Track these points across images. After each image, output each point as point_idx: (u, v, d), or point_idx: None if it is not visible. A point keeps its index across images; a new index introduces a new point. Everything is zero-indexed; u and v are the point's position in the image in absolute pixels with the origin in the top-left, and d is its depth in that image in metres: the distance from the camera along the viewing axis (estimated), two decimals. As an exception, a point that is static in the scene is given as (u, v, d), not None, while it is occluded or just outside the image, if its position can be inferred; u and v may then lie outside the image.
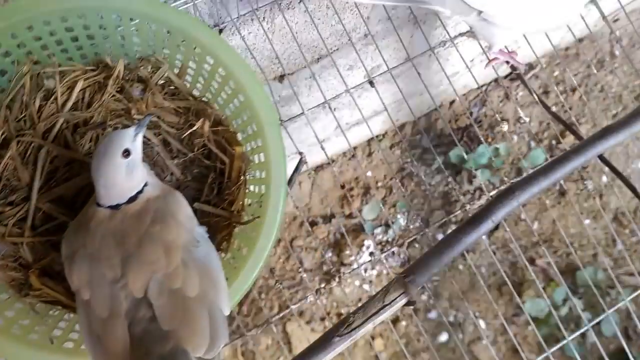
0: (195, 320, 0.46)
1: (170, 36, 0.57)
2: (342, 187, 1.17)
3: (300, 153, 0.66)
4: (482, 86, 1.20)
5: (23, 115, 0.57)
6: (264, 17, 0.73)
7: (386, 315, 0.49)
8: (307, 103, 0.79)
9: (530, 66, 1.21)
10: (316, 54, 0.85)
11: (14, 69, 0.56)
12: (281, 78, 0.85)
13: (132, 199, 0.50)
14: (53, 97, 0.57)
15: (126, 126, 0.57)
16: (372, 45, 0.84)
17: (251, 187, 0.58)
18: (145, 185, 0.51)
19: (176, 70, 0.60)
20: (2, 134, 0.56)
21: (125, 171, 0.50)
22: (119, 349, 0.45)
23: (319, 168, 1.18)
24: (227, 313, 0.50)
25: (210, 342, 0.46)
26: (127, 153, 0.49)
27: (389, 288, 0.49)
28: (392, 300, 0.48)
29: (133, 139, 0.50)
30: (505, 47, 0.74)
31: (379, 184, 1.18)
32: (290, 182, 0.61)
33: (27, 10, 0.52)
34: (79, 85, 0.57)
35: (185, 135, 0.59)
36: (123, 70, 0.58)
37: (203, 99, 0.60)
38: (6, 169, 0.56)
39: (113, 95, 0.58)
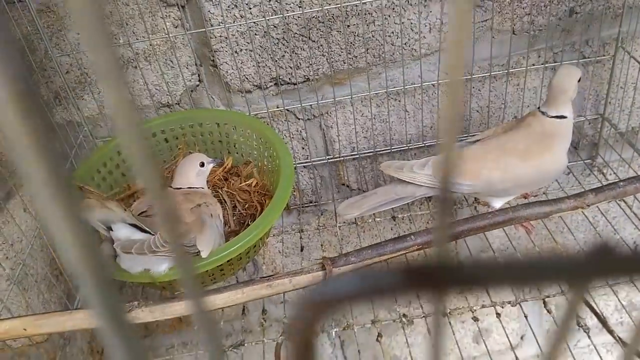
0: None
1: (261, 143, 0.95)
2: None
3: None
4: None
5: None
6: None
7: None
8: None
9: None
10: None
11: (176, 146, 0.99)
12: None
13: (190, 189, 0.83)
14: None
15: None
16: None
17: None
18: (202, 188, 0.84)
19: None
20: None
21: (197, 173, 0.84)
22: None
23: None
24: (204, 255, 0.72)
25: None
26: (202, 164, 0.85)
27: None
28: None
29: (208, 162, 0.86)
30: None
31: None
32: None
33: (186, 117, 0.98)
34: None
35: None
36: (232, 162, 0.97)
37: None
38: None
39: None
